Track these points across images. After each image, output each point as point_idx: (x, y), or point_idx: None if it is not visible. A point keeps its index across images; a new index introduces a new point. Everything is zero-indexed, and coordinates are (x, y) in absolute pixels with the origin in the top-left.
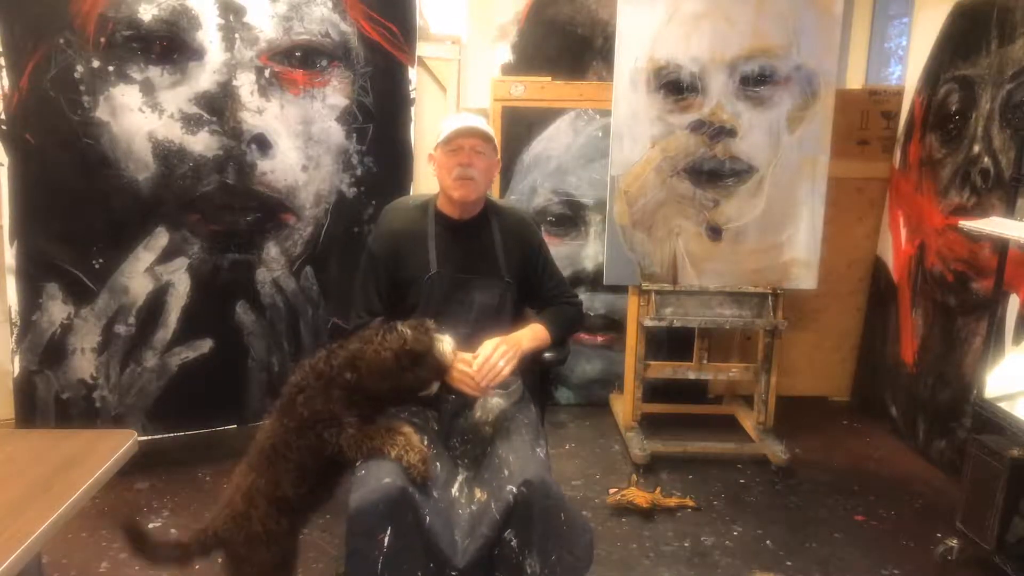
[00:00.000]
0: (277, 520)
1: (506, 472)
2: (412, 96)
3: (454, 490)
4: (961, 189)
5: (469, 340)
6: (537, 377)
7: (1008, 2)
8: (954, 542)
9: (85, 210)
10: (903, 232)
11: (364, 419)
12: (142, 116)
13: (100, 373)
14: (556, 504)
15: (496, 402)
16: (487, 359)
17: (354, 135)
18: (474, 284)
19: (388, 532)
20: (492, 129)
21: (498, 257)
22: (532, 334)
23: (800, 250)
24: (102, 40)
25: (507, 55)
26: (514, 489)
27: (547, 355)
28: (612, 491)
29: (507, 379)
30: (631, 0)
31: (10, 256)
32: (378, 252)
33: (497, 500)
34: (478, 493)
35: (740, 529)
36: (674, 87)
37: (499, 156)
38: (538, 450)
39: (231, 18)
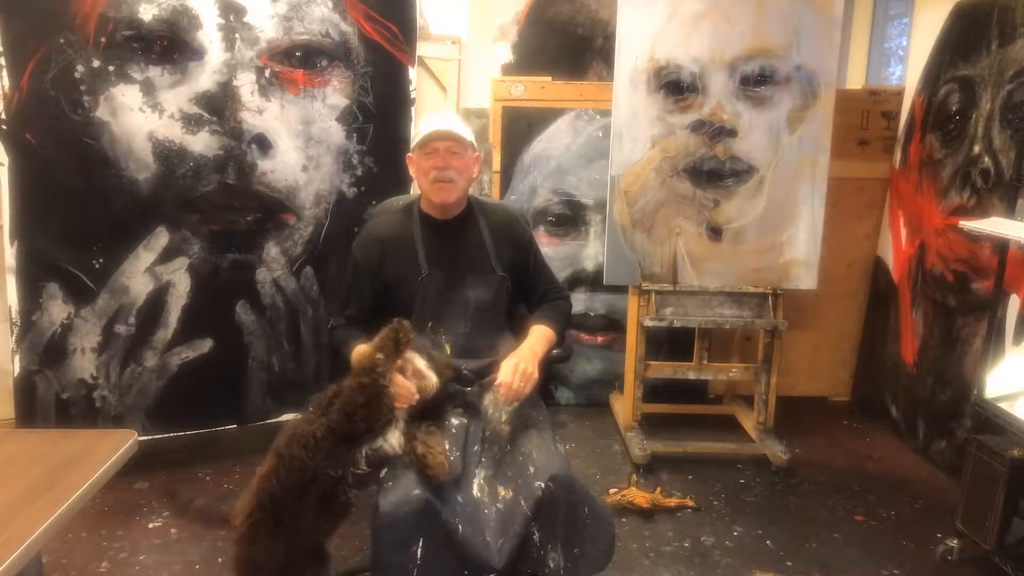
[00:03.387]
0: (258, 532)
1: (531, 468)
2: (412, 96)
3: (475, 491)
4: (961, 189)
5: (468, 339)
6: (540, 377)
7: (1008, 2)
8: (954, 542)
9: (85, 210)
10: (903, 232)
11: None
12: (142, 116)
13: (100, 373)
14: (580, 498)
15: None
16: (509, 386)
17: (354, 135)
18: (467, 282)
19: (420, 543)
20: (467, 127)
21: (488, 253)
22: (543, 337)
23: (800, 250)
24: (102, 40)
25: (507, 55)
26: (542, 484)
27: (553, 352)
28: (612, 491)
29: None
30: (631, 0)
31: (10, 256)
32: (361, 261)
33: (526, 497)
34: (502, 491)
35: (740, 529)
36: (674, 87)
37: (478, 151)
38: (558, 445)
39: (231, 18)
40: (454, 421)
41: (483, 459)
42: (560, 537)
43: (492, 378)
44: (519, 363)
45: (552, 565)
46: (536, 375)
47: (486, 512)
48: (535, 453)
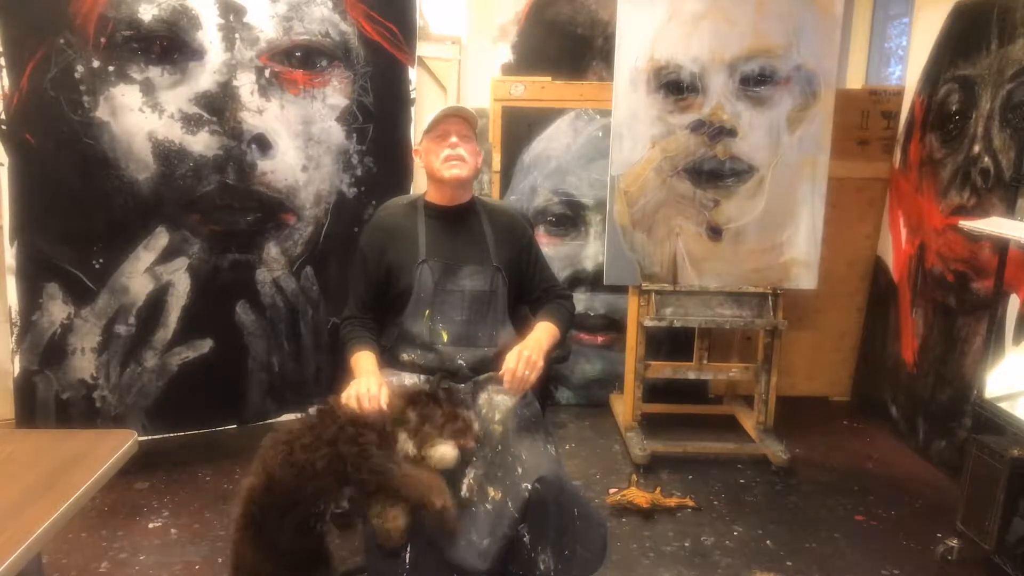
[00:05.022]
0: (247, 536)
1: (520, 470)
2: (412, 96)
3: (464, 491)
4: (961, 189)
5: (465, 327)
6: (539, 377)
7: (1008, 2)
8: (954, 542)
9: (85, 210)
10: (903, 232)
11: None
12: (142, 116)
13: (100, 373)
14: (570, 500)
15: (501, 399)
16: (513, 372)
17: (354, 135)
18: (464, 272)
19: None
20: (474, 114)
21: (488, 245)
22: (548, 333)
23: (800, 250)
24: (102, 40)
25: (507, 55)
26: (528, 486)
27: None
28: (612, 491)
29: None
30: (631, 0)
31: (10, 256)
32: (366, 249)
33: (514, 499)
34: (491, 492)
35: (740, 529)
36: (674, 87)
37: (480, 147)
38: (549, 447)
39: (231, 18)
40: None
41: (475, 459)
42: (550, 539)
43: (488, 376)
44: (523, 350)
45: (543, 567)
46: (541, 364)
47: (474, 511)
48: (524, 454)
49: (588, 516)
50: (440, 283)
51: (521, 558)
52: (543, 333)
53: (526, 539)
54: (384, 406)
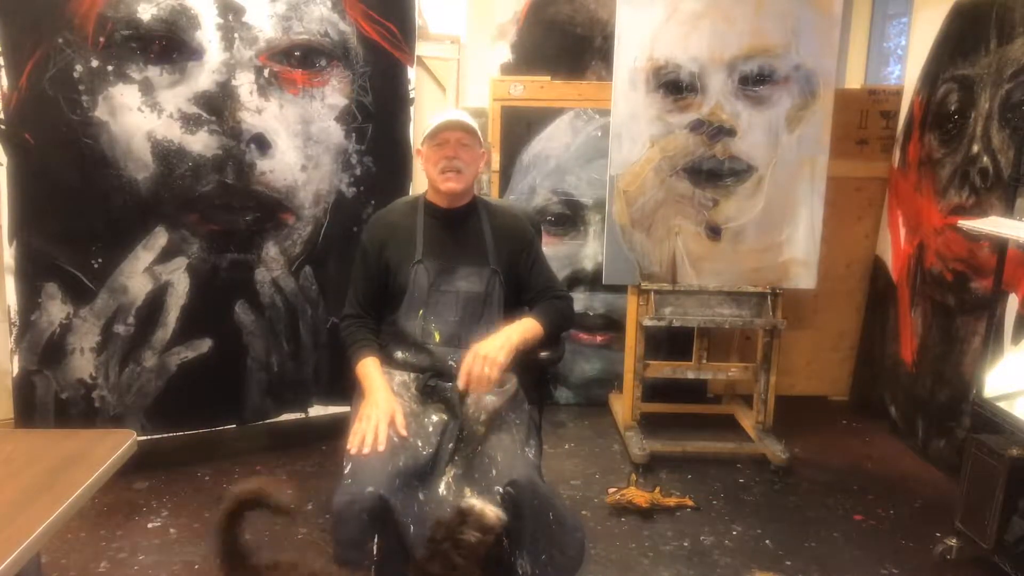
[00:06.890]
0: None
1: (494, 472)
2: (411, 96)
3: (441, 489)
4: (960, 189)
5: (457, 327)
6: (535, 377)
7: (1007, 2)
8: (953, 541)
9: (84, 209)
10: (902, 232)
11: None
12: (141, 116)
13: (99, 373)
14: (544, 504)
15: (490, 400)
16: (468, 371)
17: (353, 135)
18: (460, 273)
19: (376, 539)
20: (475, 122)
21: (486, 247)
22: (521, 327)
23: (799, 250)
24: (101, 40)
25: (506, 55)
26: (500, 489)
27: (543, 354)
28: (611, 491)
29: (501, 378)
30: (630, 0)
31: (9, 256)
32: (367, 243)
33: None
34: (468, 492)
35: (739, 528)
36: (673, 87)
37: (484, 148)
38: (528, 450)
39: (230, 18)
40: (433, 418)
41: (456, 458)
42: (526, 544)
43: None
44: (479, 349)
45: (520, 572)
46: (500, 360)
47: (447, 510)
48: (499, 456)
49: (563, 520)
50: (435, 283)
51: (501, 563)
52: (517, 327)
53: (504, 543)
54: (403, 431)
